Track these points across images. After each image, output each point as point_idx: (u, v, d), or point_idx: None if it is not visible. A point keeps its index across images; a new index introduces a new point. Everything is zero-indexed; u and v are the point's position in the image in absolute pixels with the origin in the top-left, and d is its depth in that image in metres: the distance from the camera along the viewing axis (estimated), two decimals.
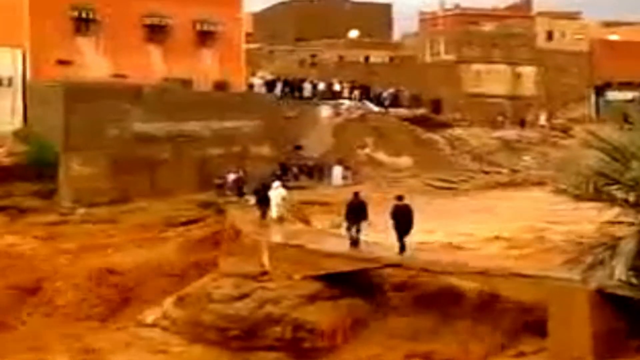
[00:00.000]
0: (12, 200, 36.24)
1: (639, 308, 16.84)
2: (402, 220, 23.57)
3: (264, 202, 30.54)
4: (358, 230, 24.95)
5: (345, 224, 25.65)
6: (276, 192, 30.02)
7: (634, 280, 16.02)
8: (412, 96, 56.40)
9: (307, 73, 56.14)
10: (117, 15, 43.11)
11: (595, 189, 15.98)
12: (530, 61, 65.74)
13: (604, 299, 17.59)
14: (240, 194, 37.50)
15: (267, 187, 31.08)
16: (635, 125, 16.16)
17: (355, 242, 25.05)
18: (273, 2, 77.03)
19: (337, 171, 43.32)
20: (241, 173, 39.11)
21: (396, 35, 78.66)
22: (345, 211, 25.55)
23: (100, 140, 37.89)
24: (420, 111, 54.96)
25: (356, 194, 26.17)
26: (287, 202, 30.43)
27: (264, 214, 30.63)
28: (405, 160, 48.06)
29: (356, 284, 24.74)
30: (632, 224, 16.03)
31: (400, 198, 24.61)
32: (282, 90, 49.82)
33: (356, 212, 25.03)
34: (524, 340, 20.21)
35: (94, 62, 42.82)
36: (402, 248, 23.67)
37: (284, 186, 31.66)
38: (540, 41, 68.63)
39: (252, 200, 32.20)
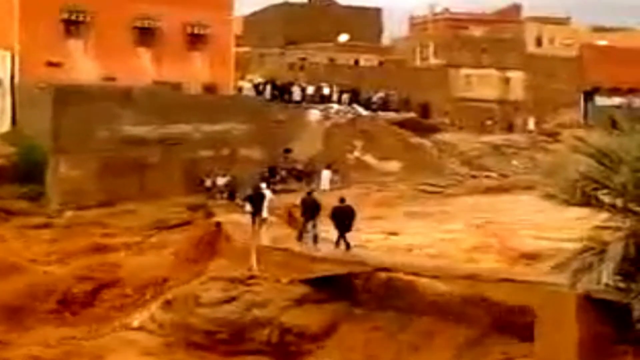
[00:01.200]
0: (0, 203, 36.09)
1: (626, 313, 16.86)
2: (342, 219, 25.45)
3: (258, 209, 29.18)
4: (314, 226, 26.50)
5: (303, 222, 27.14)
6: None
7: (621, 285, 16.07)
8: (401, 100, 56.45)
9: (296, 76, 56.12)
10: (107, 18, 43.09)
11: (583, 194, 16.04)
12: (519, 66, 65.85)
13: (591, 303, 17.60)
14: (231, 197, 37.44)
15: (261, 193, 30.40)
16: (624, 130, 16.23)
17: (301, 236, 26.75)
18: (263, 5, 77.05)
19: (326, 175, 43.26)
20: (229, 177, 39.01)
21: (386, 40, 78.72)
22: (301, 209, 27.38)
23: (89, 142, 37.82)
24: (410, 115, 54.99)
25: (309, 193, 28.35)
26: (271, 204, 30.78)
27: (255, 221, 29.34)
28: (393, 164, 48.11)
29: (343, 288, 24.73)
30: (619, 228, 16.09)
31: (342, 200, 26.60)
32: (272, 94, 49.81)
33: (310, 210, 26.65)
34: (511, 345, 20.22)
35: (83, 65, 42.78)
36: (343, 244, 25.46)
37: (273, 190, 32.23)
38: (530, 46, 68.79)
39: (247, 207, 31.38)
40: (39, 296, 30.70)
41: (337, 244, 25.67)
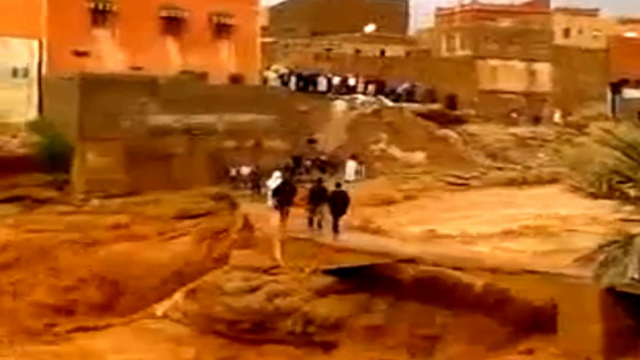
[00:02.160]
0: (26, 191, 36.31)
1: None
2: (338, 204, 26.97)
3: (284, 203, 28.46)
4: (313, 211, 27.62)
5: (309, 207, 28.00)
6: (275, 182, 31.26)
7: None
8: (427, 91, 56.22)
9: (322, 67, 56.03)
10: (134, 7, 43.15)
11: (609, 187, 15.96)
12: (547, 58, 65.39)
13: (615, 297, 17.52)
14: (255, 186, 37.40)
15: (287, 185, 29.75)
16: None
17: (311, 222, 27.66)
18: None
19: (351, 166, 43.24)
20: (254, 167, 39.02)
21: (412, 30, 78.50)
22: (308, 196, 28.18)
23: (115, 132, 37.90)
24: (435, 106, 54.75)
25: (319, 181, 29.63)
26: None
27: (283, 217, 28.37)
28: (418, 156, 47.94)
29: (367, 278, 24.73)
30: None
31: (338, 185, 28.72)
32: (297, 84, 49.76)
33: (318, 198, 27.65)
34: (534, 337, 20.16)
35: (110, 54, 42.89)
36: (336, 228, 26.82)
37: (299, 180, 33.23)
38: (557, 38, 68.32)
39: (270, 202, 29.54)
40: (72, 285, 31.01)
41: (334, 229, 26.84)
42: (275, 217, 28.29)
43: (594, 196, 16.49)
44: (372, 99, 51.60)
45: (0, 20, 41.25)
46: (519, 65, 64.01)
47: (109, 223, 34.56)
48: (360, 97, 51.08)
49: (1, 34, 40.39)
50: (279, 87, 48.21)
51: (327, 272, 25.29)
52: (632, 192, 16.00)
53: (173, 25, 44.95)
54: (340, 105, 49.06)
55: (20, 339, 27.56)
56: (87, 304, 30.44)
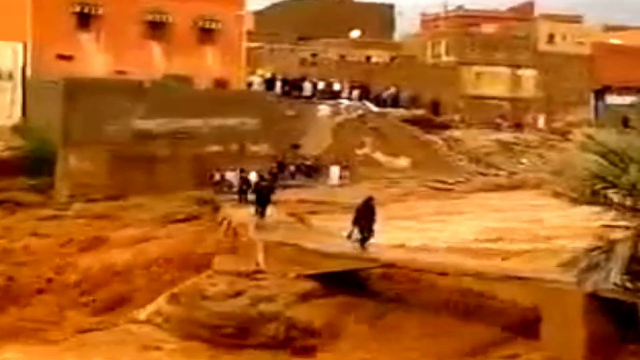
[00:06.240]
0: (9, 194, 36.18)
1: (634, 312, 16.82)
2: (263, 194, 31.48)
3: (261, 201, 31.70)
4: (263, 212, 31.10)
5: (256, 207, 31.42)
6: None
7: (628, 284, 16.04)
8: (411, 97, 56.29)
9: (307, 72, 56.02)
10: (118, 11, 43.11)
11: (592, 192, 15.99)
12: (531, 64, 65.61)
13: (598, 302, 17.57)
14: (243, 192, 36.77)
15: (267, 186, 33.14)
16: (634, 129, 16.18)
17: (257, 211, 31.28)
18: (275, 0, 76.92)
19: (335, 171, 43.26)
20: (240, 172, 38.71)
21: (398, 36, 78.54)
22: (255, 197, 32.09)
23: (99, 135, 37.84)
24: (420, 112, 54.82)
25: (262, 179, 34.37)
26: None
27: (262, 213, 31.27)
28: (403, 161, 47.98)
29: (350, 283, 24.73)
30: (627, 227, 16.03)
31: (263, 179, 34.71)
32: (282, 89, 49.73)
33: (264, 197, 31.48)
34: (518, 342, 20.19)
35: (94, 58, 42.80)
36: (262, 214, 31.03)
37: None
38: (541, 44, 68.52)
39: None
40: (52, 288, 30.86)
41: (259, 214, 30.88)
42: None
43: (577, 201, 16.51)
44: (357, 104, 51.62)
45: None
46: (504, 71, 64.18)
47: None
48: (345, 102, 51.10)
49: None
50: (264, 92, 48.20)
51: (311, 277, 25.26)
52: (614, 198, 16.04)
53: (158, 29, 44.88)
54: (325, 110, 49.06)
55: None
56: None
